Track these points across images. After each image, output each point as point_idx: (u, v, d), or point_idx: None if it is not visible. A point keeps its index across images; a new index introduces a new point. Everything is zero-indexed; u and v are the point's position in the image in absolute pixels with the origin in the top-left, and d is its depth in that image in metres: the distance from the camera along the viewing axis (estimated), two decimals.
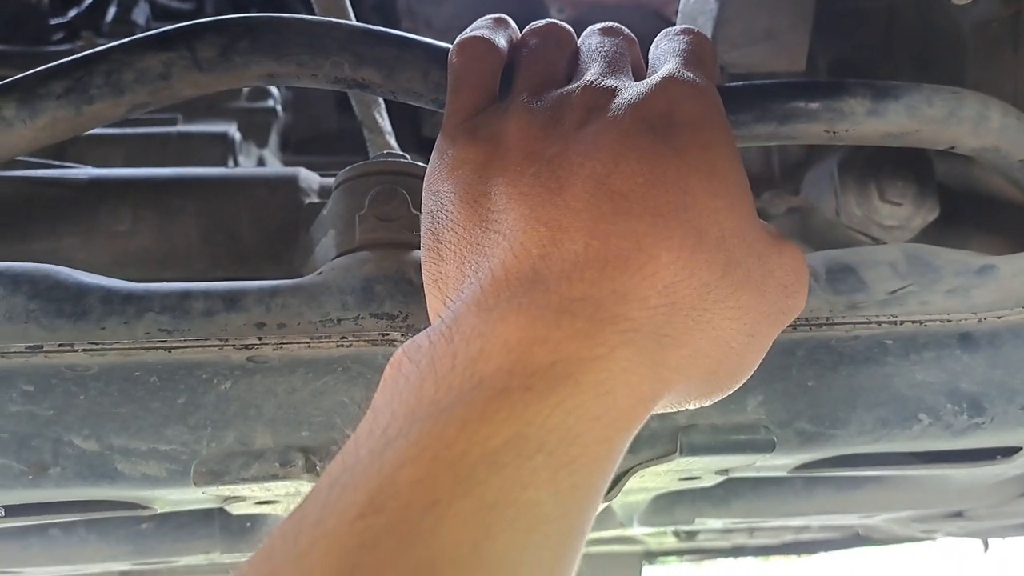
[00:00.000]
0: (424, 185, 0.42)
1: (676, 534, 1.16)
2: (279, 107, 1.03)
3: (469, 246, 0.37)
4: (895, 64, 0.71)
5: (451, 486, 0.27)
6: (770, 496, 0.74)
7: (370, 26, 0.48)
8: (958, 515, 0.84)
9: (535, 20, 0.46)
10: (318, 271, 0.51)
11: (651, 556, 1.36)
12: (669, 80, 0.39)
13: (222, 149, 0.87)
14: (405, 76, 0.47)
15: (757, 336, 0.38)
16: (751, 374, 0.39)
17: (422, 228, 0.40)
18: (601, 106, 0.39)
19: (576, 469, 0.29)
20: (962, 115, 0.51)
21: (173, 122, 0.91)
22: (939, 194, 0.67)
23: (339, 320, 0.47)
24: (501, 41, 0.44)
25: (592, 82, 0.40)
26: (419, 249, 0.49)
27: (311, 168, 1.15)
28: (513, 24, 0.47)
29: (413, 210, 0.53)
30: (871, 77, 0.75)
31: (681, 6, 0.73)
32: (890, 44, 0.70)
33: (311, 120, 1.14)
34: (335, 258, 0.52)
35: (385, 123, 0.75)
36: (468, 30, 0.45)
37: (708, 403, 0.39)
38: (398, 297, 0.48)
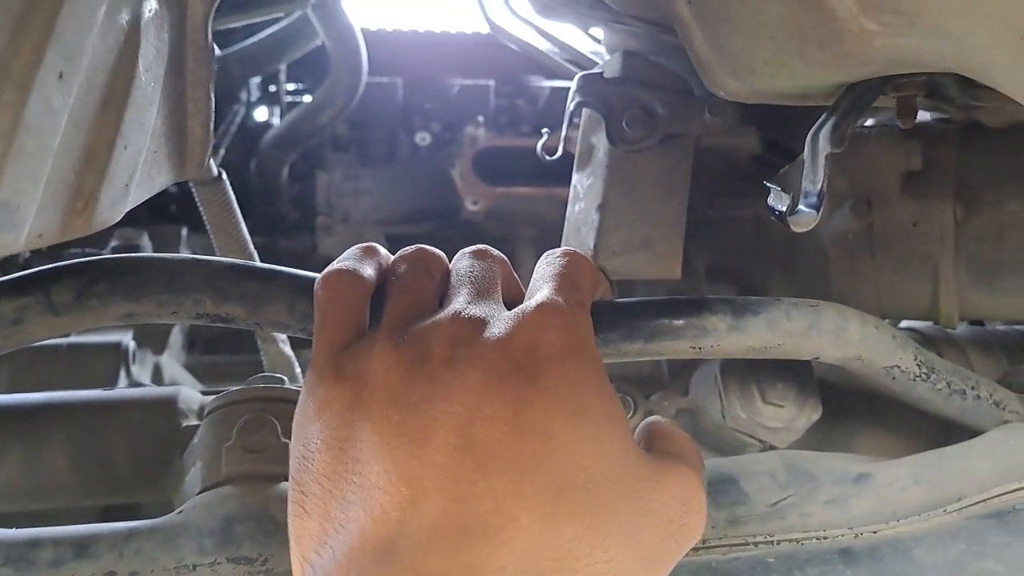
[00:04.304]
0: (293, 426, 0.40)
1: None
2: None
3: (333, 499, 0.36)
4: (766, 269, 0.74)
5: None
6: None
7: (235, 261, 0.49)
8: None
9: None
10: (178, 510, 0.48)
11: None
12: (536, 311, 0.39)
13: (115, 360, 0.85)
14: (270, 309, 0.47)
15: None
16: None
17: (290, 477, 0.39)
18: (467, 340, 0.38)
19: None
20: (821, 327, 0.52)
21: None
22: (822, 391, 0.68)
23: (195, 566, 0.45)
24: (368, 271, 0.44)
25: (460, 312, 0.40)
26: (286, 480, 0.48)
27: (217, 368, 1.12)
28: (383, 251, 0.47)
29: (283, 438, 0.51)
30: (746, 281, 0.78)
31: (567, 215, 0.76)
32: (760, 250, 0.73)
33: None
34: (199, 492, 0.50)
35: None
36: (335, 262, 0.46)
37: None
38: (258, 537, 0.46)
